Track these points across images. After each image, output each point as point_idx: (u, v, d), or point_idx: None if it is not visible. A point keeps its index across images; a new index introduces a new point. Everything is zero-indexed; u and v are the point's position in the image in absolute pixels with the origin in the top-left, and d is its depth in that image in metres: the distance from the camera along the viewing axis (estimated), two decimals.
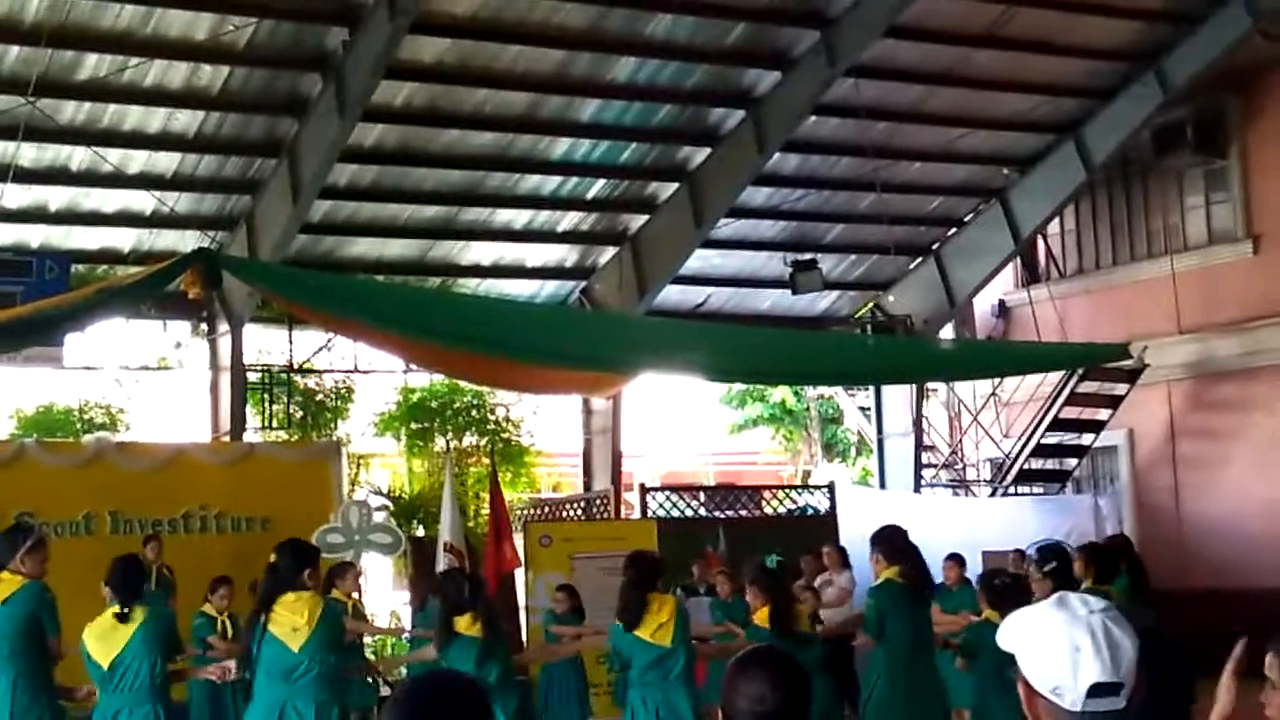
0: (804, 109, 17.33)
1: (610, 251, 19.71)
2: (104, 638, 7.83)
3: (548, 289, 20.27)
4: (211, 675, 8.52)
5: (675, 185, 18.70)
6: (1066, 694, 2.49)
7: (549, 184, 18.42)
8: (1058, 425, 19.99)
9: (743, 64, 17.27)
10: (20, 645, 7.89)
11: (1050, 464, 20.63)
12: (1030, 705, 2.58)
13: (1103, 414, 19.88)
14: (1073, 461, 20.54)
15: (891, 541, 9.84)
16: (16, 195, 16.00)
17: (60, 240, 16.90)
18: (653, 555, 9.87)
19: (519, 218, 18.89)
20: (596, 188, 18.70)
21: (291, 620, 7.74)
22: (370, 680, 12.31)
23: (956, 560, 13.55)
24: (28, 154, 15.48)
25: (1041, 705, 2.55)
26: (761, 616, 9.29)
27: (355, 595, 13.56)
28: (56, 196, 16.49)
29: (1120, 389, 19.43)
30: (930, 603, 10.14)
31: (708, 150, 18.22)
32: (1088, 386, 19.63)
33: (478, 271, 19.59)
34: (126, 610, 7.87)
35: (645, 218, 19.20)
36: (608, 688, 13.38)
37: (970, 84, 18.45)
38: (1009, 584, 9.72)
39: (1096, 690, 2.47)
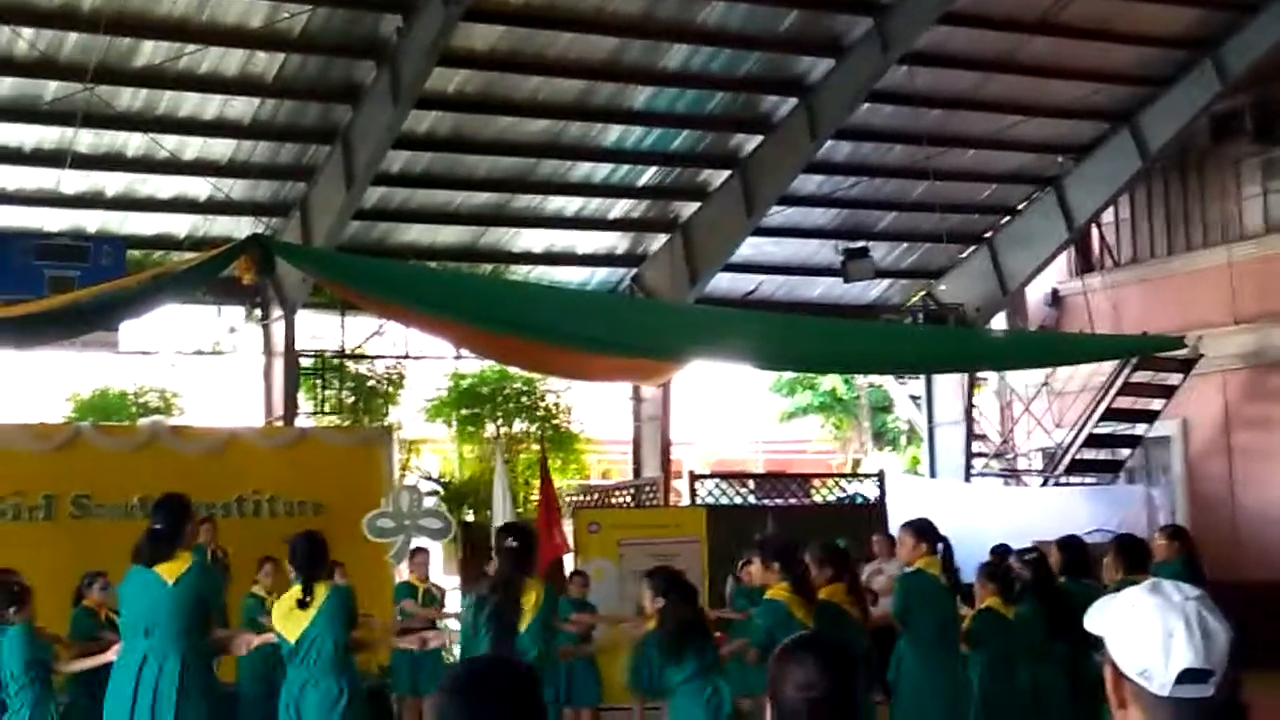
0: (857, 96, 17.26)
1: (661, 239, 19.71)
2: (289, 614, 8.02)
3: (599, 276, 20.29)
4: (410, 646, 8.95)
5: (727, 173, 18.67)
6: (1155, 678, 2.47)
7: (600, 171, 18.44)
8: (1111, 415, 19.85)
9: (796, 51, 17.22)
10: (190, 624, 7.90)
11: (1103, 454, 20.49)
12: (1116, 688, 2.57)
13: (1156, 404, 19.73)
14: (1125, 452, 20.39)
15: (923, 531, 9.78)
16: (74, 181, 16.17)
17: (117, 226, 17.05)
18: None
19: (570, 205, 18.92)
20: (648, 175, 18.70)
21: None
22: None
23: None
24: (85, 140, 15.62)
25: (1128, 689, 2.53)
26: (832, 592, 9.11)
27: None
28: (113, 182, 16.64)
29: (1174, 379, 19.27)
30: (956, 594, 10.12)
31: (760, 138, 18.18)
32: (1141, 376, 19.49)
33: (529, 258, 19.63)
34: (309, 587, 8.03)
35: (697, 205, 19.19)
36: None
37: (1025, 71, 18.30)
38: (1008, 573, 9.84)
39: (1186, 676, 2.45)
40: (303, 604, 8.01)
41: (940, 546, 9.48)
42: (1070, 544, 11.00)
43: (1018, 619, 9.62)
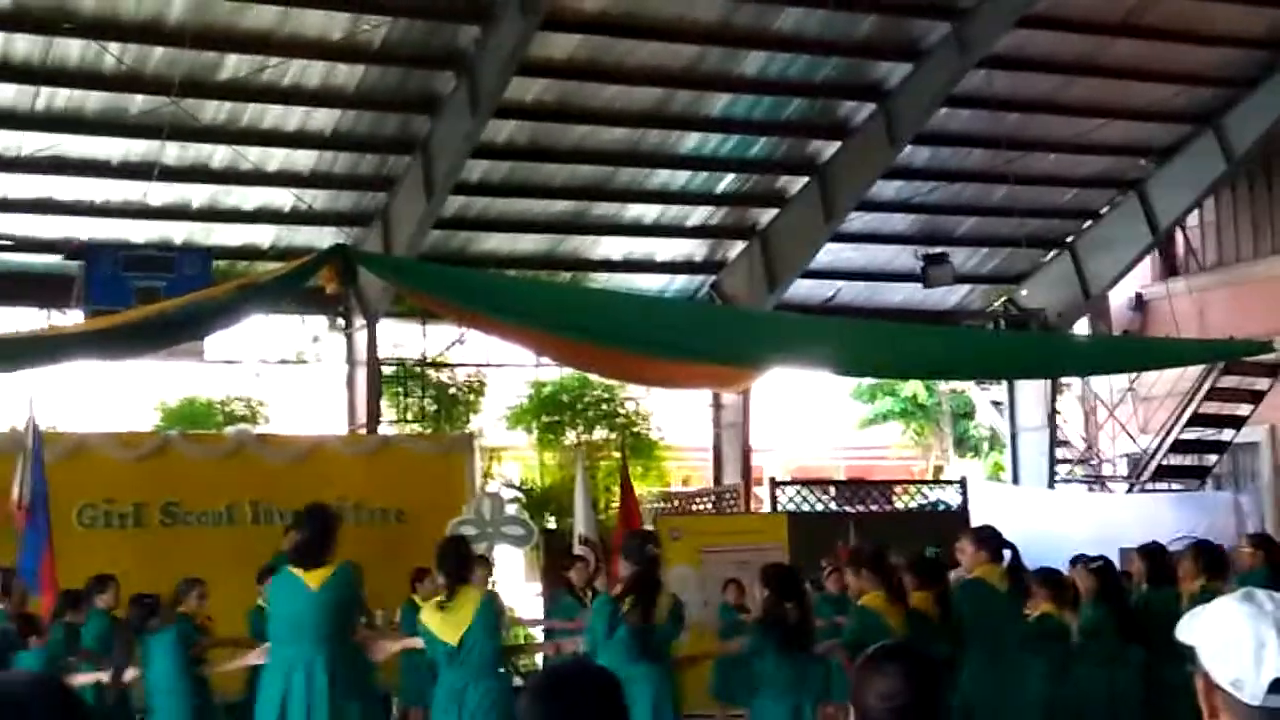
0: (935, 101, 17.19)
1: (740, 246, 19.70)
2: (445, 618, 8.36)
3: (677, 283, 20.31)
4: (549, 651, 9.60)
5: (805, 179, 18.64)
6: (1247, 687, 2.47)
7: (679, 179, 18.46)
8: (1197, 420, 19.62)
9: (873, 56, 17.17)
10: (336, 628, 8.16)
11: (1189, 460, 20.25)
12: (1208, 698, 2.56)
13: (1243, 409, 19.47)
14: (1212, 458, 20.15)
15: (984, 538, 9.62)
16: (161, 193, 16.40)
17: (202, 237, 17.28)
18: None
19: (649, 212, 18.95)
20: (726, 182, 18.71)
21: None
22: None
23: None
24: (171, 153, 15.85)
25: (1220, 698, 2.53)
26: (921, 600, 9.15)
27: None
28: (198, 194, 16.87)
29: (1262, 384, 19.02)
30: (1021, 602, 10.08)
31: (838, 144, 18.14)
32: (1228, 381, 19.25)
33: (608, 266, 19.69)
34: (453, 591, 8.38)
35: (775, 211, 19.17)
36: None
37: (1106, 73, 18.13)
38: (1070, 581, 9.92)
39: (1278, 685, 2.45)
40: (443, 606, 8.36)
41: (1006, 554, 9.39)
42: (1152, 551, 10.92)
43: (1084, 625, 9.61)
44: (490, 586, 13.68)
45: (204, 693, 10.11)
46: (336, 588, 8.13)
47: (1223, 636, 2.51)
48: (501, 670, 8.72)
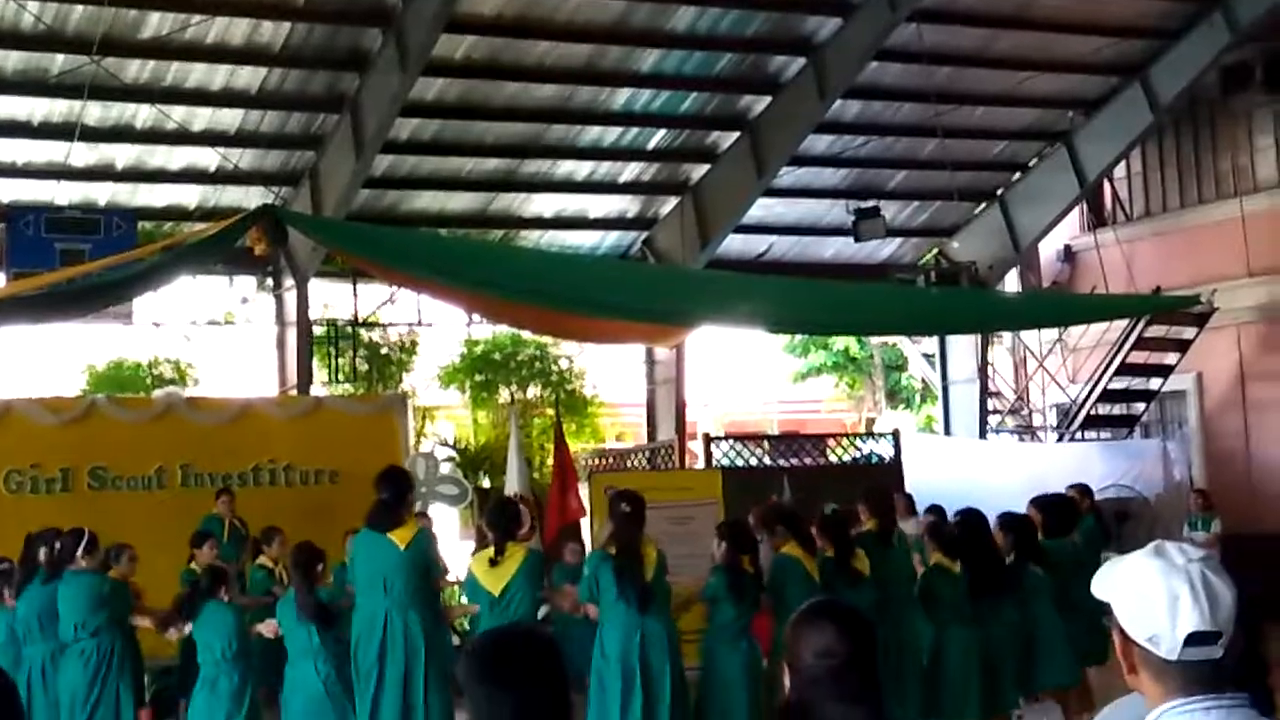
0: (865, 55, 17.17)
1: (672, 201, 19.68)
2: (488, 571, 9.04)
3: (610, 240, 20.27)
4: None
5: (736, 134, 18.62)
6: (1163, 643, 2.48)
7: (610, 135, 18.39)
8: (1125, 370, 19.80)
9: (803, 10, 17.12)
10: (423, 583, 9.05)
11: (1117, 409, 20.46)
12: (1125, 654, 2.57)
13: (1171, 358, 19.67)
14: (1140, 406, 20.36)
15: (870, 496, 10.63)
16: (83, 154, 16.16)
17: (127, 198, 17.05)
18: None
19: (580, 169, 18.88)
20: (657, 138, 18.65)
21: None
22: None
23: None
24: (93, 113, 15.61)
25: (1137, 654, 2.54)
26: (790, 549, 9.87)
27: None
28: (122, 154, 16.64)
29: (1188, 333, 19.21)
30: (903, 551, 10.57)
31: (769, 98, 18.12)
32: (1155, 331, 19.42)
33: (540, 223, 19.62)
34: (502, 547, 9.06)
35: (706, 167, 19.15)
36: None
37: (1034, 26, 18.18)
38: (957, 532, 10.21)
39: (1194, 639, 2.45)
40: (494, 562, 9.02)
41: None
42: (1046, 505, 11.28)
43: (962, 575, 9.94)
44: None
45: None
46: (422, 547, 9.06)
47: (1137, 593, 2.52)
48: (540, 617, 9.66)
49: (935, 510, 11.78)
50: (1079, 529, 11.84)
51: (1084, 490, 13.15)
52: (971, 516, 10.33)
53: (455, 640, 11.96)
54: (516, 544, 9.23)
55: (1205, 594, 2.46)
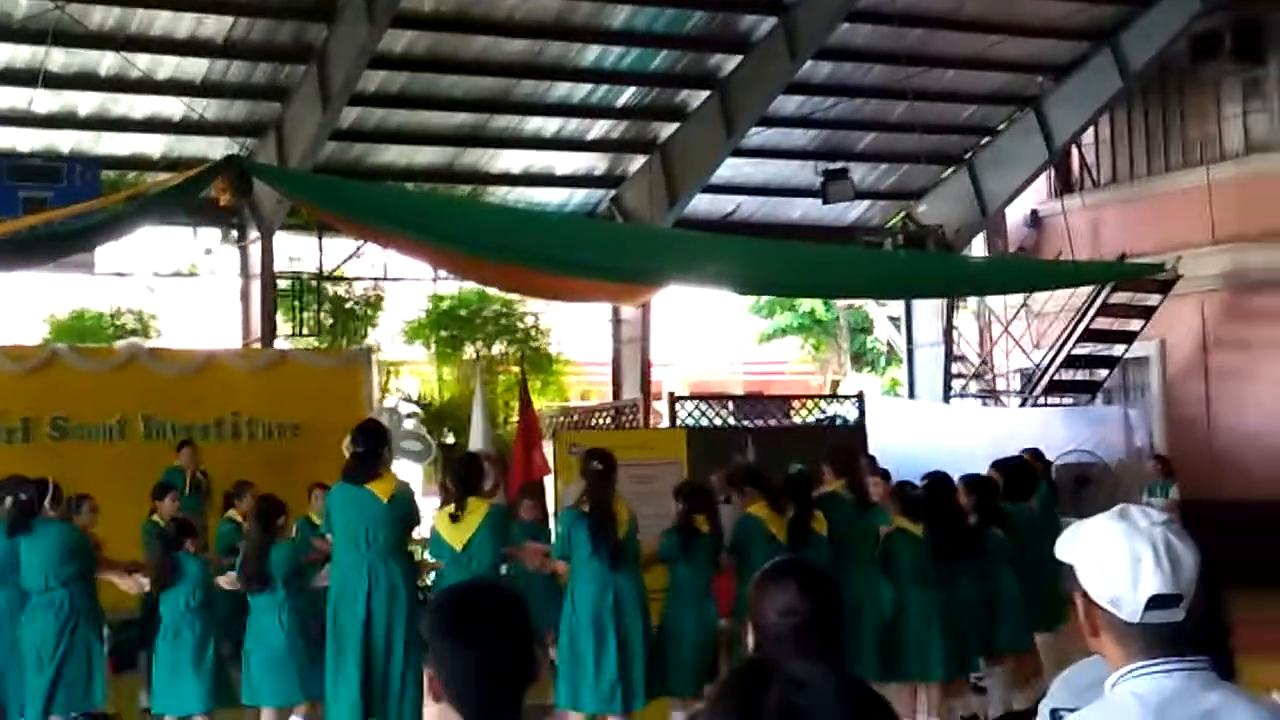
0: (837, 15, 17.12)
1: (640, 160, 19.62)
2: (449, 527, 9.06)
3: (577, 197, 20.21)
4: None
5: (706, 93, 18.56)
6: (1125, 605, 2.49)
7: (579, 91, 18.30)
8: (1089, 336, 19.89)
9: None
10: (404, 536, 9.15)
11: (1080, 375, 20.56)
12: (1088, 616, 2.58)
13: (1134, 325, 19.77)
14: (1103, 372, 20.46)
15: (835, 457, 10.75)
16: (46, 100, 16.00)
17: (90, 146, 16.89)
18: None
19: (549, 125, 18.79)
20: (627, 95, 18.58)
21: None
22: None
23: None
24: (57, 59, 15.44)
25: (1099, 616, 2.55)
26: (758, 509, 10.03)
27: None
28: (86, 102, 16.47)
29: (1153, 300, 19.30)
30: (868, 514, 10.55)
31: (739, 58, 18.06)
32: (1120, 297, 19.51)
33: (507, 179, 19.54)
34: (463, 503, 9.05)
35: (675, 126, 19.09)
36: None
37: None
38: (921, 494, 10.24)
39: (1155, 602, 2.47)
40: (455, 518, 9.02)
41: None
42: (1007, 468, 11.41)
43: (925, 538, 10.01)
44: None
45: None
46: (404, 501, 9.05)
47: (1099, 555, 2.53)
48: (503, 572, 9.63)
49: (901, 484, 11.83)
50: (1036, 494, 11.92)
51: (1037, 455, 13.21)
52: (939, 479, 10.37)
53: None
54: (479, 499, 9.21)
55: (1168, 557, 2.48)
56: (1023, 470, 11.79)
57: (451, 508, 9.08)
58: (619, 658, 8.90)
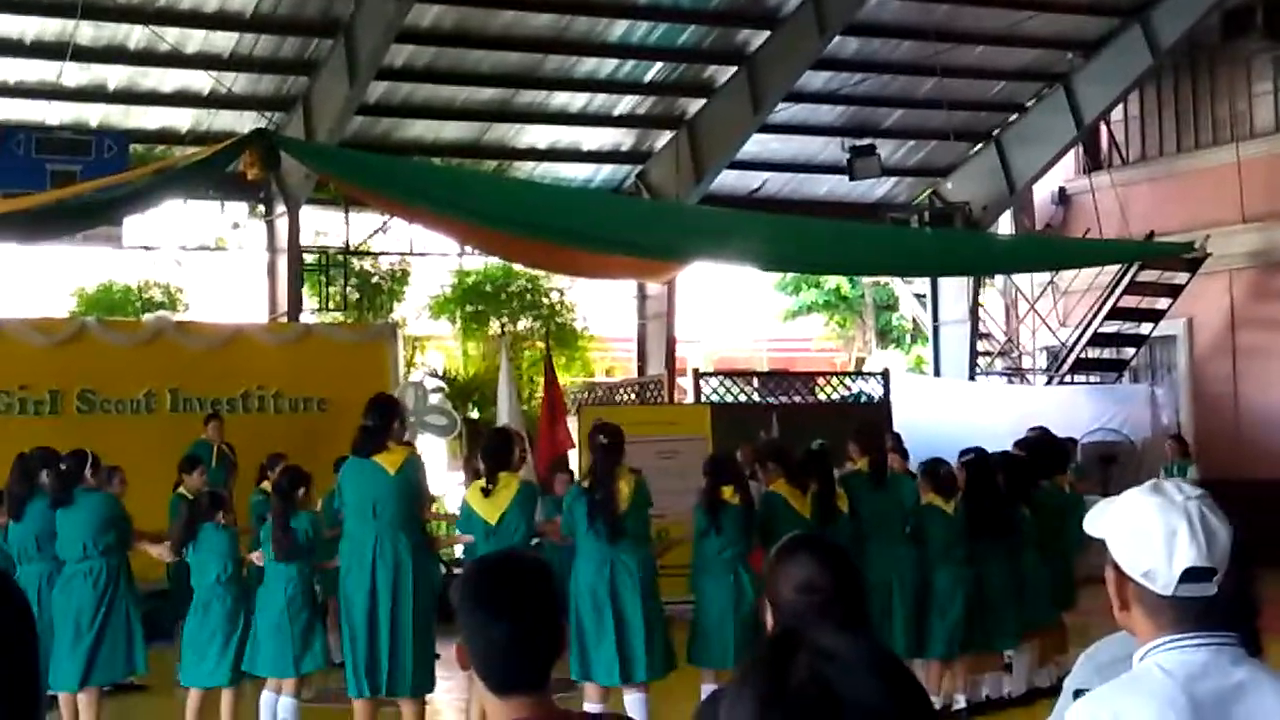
0: None
1: (667, 136, 19.58)
2: (484, 500, 9.05)
3: (603, 173, 20.18)
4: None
5: (733, 69, 18.50)
6: (1159, 578, 2.49)
7: (606, 67, 18.27)
8: (1116, 314, 19.82)
9: None
10: (412, 508, 8.95)
11: (1107, 353, 20.49)
12: (1120, 590, 2.58)
13: (1162, 303, 19.69)
14: (1130, 351, 20.39)
15: (861, 435, 10.66)
16: (75, 74, 16.03)
17: (119, 119, 16.94)
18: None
19: (575, 101, 18.77)
20: (654, 71, 18.54)
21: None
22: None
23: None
24: (86, 33, 15.47)
25: (1131, 590, 2.55)
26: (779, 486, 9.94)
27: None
28: (115, 75, 16.51)
29: (1180, 278, 19.22)
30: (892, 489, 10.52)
31: (767, 33, 17.99)
32: (1147, 275, 19.44)
33: (533, 155, 19.52)
34: (494, 477, 9.05)
35: (703, 101, 19.04)
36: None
37: None
38: (951, 472, 10.24)
39: (1190, 575, 2.47)
40: (486, 492, 9.02)
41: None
42: (1031, 447, 11.37)
43: (956, 515, 9.99)
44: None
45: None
46: (412, 472, 8.90)
47: (1133, 528, 2.53)
48: (534, 544, 9.60)
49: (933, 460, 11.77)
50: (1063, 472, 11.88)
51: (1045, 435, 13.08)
52: (980, 456, 10.35)
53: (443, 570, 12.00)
54: (510, 474, 9.18)
55: (1203, 530, 2.48)
56: (1047, 449, 11.75)
57: (483, 482, 9.11)
58: (616, 631, 8.90)
